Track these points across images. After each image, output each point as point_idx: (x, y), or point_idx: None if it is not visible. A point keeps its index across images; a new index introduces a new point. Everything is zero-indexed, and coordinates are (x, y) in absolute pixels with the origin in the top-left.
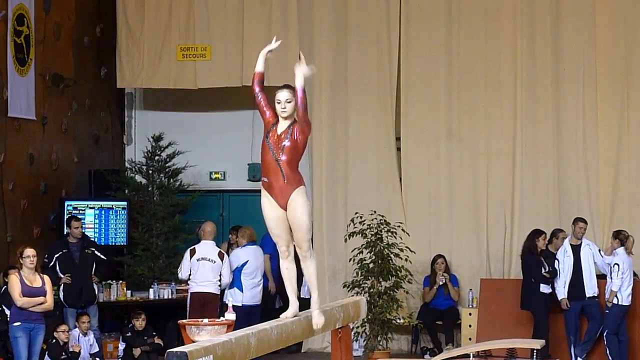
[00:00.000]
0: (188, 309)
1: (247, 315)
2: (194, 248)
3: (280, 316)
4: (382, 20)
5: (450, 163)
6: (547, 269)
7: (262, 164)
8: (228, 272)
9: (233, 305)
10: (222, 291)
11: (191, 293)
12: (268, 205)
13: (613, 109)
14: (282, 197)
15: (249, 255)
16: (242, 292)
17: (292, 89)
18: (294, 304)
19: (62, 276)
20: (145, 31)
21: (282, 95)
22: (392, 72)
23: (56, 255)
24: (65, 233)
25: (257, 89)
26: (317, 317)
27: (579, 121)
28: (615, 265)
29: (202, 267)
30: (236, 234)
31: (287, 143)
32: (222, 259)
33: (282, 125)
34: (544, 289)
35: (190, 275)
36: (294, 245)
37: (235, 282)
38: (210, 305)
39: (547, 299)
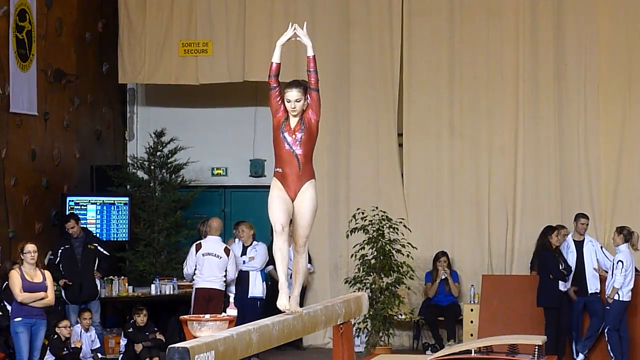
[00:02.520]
0: (192, 304)
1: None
2: (200, 243)
3: (278, 305)
4: (384, 16)
5: (452, 159)
6: (562, 266)
7: (277, 156)
8: (234, 269)
9: (260, 299)
10: (227, 287)
11: (196, 289)
12: (277, 188)
13: (615, 105)
14: (294, 187)
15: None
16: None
17: (301, 86)
18: (284, 285)
19: (62, 271)
20: (146, 27)
21: (292, 94)
22: (394, 68)
23: (59, 251)
24: (66, 229)
25: (273, 84)
26: (294, 305)
27: (581, 117)
28: (619, 262)
29: (208, 263)
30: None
31: (302, 135)
32: (227, 255)
33: (294, 119)
34: (562, 286)
35: (195, 270)
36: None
37: (263, 276)
38: (214, 302)
39: (563, 297)
